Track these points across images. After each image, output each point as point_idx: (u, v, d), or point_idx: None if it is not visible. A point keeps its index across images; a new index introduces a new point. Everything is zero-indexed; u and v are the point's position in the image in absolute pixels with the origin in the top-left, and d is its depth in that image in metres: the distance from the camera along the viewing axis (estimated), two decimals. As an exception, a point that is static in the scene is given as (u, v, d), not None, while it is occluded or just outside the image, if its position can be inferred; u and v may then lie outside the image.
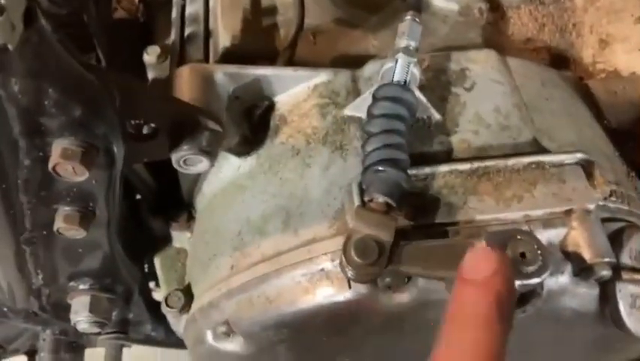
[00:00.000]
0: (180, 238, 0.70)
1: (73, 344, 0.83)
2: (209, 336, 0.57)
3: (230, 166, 0.61)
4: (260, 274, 0.52)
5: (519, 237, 0.42)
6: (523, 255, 0.41)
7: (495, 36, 0.76)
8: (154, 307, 0.74)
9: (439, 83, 0.56)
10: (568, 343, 0.56)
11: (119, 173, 0.49)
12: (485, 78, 0.56)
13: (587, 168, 0.49)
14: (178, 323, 0.65)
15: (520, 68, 0.59)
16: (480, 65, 0.57)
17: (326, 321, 0.49)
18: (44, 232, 0.54)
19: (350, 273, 0.41)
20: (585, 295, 0.47)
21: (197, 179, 0.65)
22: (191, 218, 0.68)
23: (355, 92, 0.57)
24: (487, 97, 0.55)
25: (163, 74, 0.66)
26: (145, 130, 0.53)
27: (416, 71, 0.51)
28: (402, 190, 0.44)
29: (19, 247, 0.56)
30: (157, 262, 0.70)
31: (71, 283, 0.67)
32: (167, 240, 0.71)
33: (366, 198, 0.45)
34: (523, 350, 0.53)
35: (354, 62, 0.66)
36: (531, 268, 0.41)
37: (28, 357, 0.88)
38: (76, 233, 0.52)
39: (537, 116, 0.55)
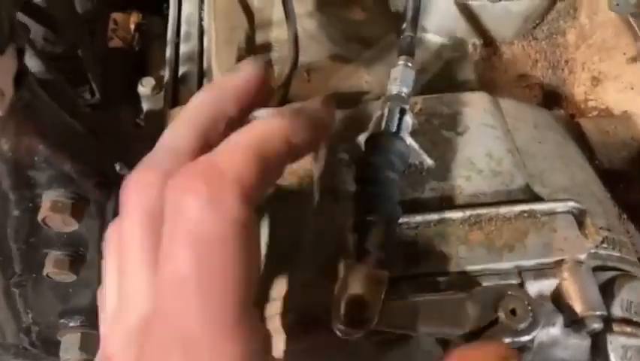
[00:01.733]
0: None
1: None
2: None
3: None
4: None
5: (510, 293, 0.42)
6: (513, 312, 0.41)
7: (488, 72, 0.77)
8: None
9: (432, 127, 0.56)
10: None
11: (111, 220, 0.49)
12: (478, 122, 0.57)
13: (579, 216, 0.49)
14: None
15: (513, 110, 0.59)
16: (473, 109, 0.57)
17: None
18: (34, 275, 0.54)
19: (340, 329, 0.41)
20: (577, 347, 0.47)
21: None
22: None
23: (348, 136, 0.57)
24: (480, 142, 0.55)
25: (157, 106, 0.67)
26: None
27: (408, 118, 0.51)
28: (393, 243, 0.44)
29: (9, 289, 0.56)
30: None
31: (62, 321, 0.66)
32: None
33: (357, 252, 0.44)
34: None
35: (348, 98, 0.66)
36: (522, 326, 0.41)
37: (18, 388, 0.87)
38: (66, 277, 0.52)
39: (529, 161, 0.55)
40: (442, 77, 0.74)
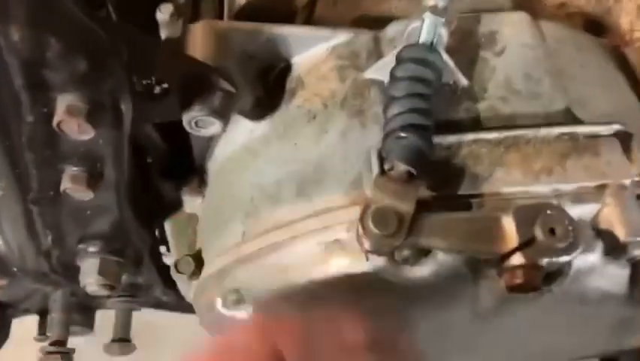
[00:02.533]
0: (191, 202, 0.68)
1: (84, 305, 0.83)
2: (219, 303, 0.56)
3: (242, 130, 0.58)
4: (272, 242, 0.50)
5: (549, 211, 0.39)
6: (552, 231, 0.39)
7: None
8: (165, 272, 0.72)
9: (467, 47, 0.52)
10: (591, 323, 0.54)
11: (128, 133, 0.47)
12: (516, 42, 0.53)
13: (624, 140, 0.46)
14: (188, 289, 0.64)
15: (554, 32, 0.55)
16: (511, 28, 0.53)
17: (340, 293, 0.47)
18: (51, 193, 0.53)
19: (367, 244, 0.39)
20: (615, 276, 0.45)
21: (208, 142, 0.62)
22: (202, 183, 0.66)
23: (377, 54, 0.53)
24: (518, 62, 0.51)
25: (176, 33, 0.64)
26: (155, 89, 0.51)
27: (444, 33, 0.47)
28: (425, 158, 0.42)
29: (27, 206, 0.55)
30: (167, 227, 0.69)
31: (80, 246, 0.66)
32: (178, 204, 0.69)
33: (386, 166, 0.42)
34: (543, 328, 0.51)
35: (376, 23, 0.62)
36: (561, 245, 0.38)
37: (39, 317, 0.88)
38: (84, 194, 0.51)
39: (570, 85, 0.52)
40: (476, 5, 0.69)
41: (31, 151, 0.45)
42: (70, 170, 0.49)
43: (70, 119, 0.39)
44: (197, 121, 0.51)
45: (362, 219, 0.39)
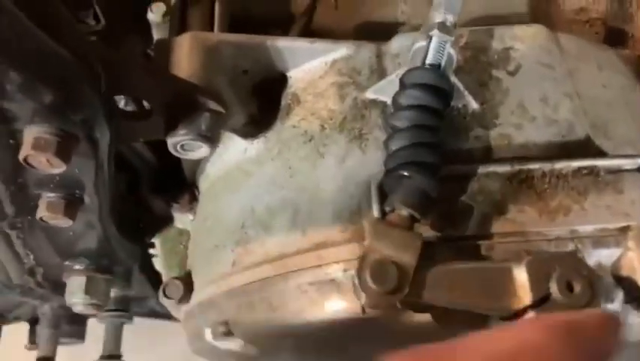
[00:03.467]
0: (182, 219, 0.64)
1: (74, 316, 0.80)
2: (207, 334, 0.53)
3: (235, 148, 0.54)
4: (263, 276, 0.46)
5: (566, 263, 0.35)
6: (570, 286, 0.35)
7: (543, 4, 0.67)
8: (158, 283, 0.70)
9: (479, 65, 0.48)
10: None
11: (107, 157, 0.43)
12: (532, 60, 0.48)
13: (650, 175, 0.42)
14: (177, 312, 0.60)
15: (574, 48, 0.50)
16: (527, 44, 0.49)
17: (335, 336, 0.44)
18: (29, 217, 0.49)
19: (364, 300, 0.35)
20: (635, 325, 0.41)
21: (199, 159, 0.58)
22: (193, 199, 0.62)
23: (380, 72, 0.49)
24: (534, 83, 0.47)
25: (168, 35, 0.60)
26: (136, 108, 0.47)
27: (453, 52, 0.43)
28: (430, 200, 0.38)
29: (4, 230, 0.51)
30: (157, 243, 0.66)
31: (66, 263, 0.62)
32: (168, 220, 0.66)
33: (386, 208, 0.38)
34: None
35: (381, 30, 0.58)
36: (579, 303, 0.34)
37: (30, 325, 0.85)
38: (62, 222, 0.47)
39: (591, 108, 0.47)
40: (489, 10, 0.64)
41: (2, 182, 0.41)
42: (47, 196, 0.45)
43: (37, 153, 0.35)
44: (184, 145, 0.47)
45: (359, 272, 0.35)
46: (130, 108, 0.49)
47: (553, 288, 0.35)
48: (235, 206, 0.52)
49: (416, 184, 0.37)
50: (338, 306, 0.42)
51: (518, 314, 0.35)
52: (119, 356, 0.73)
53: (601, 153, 0.44)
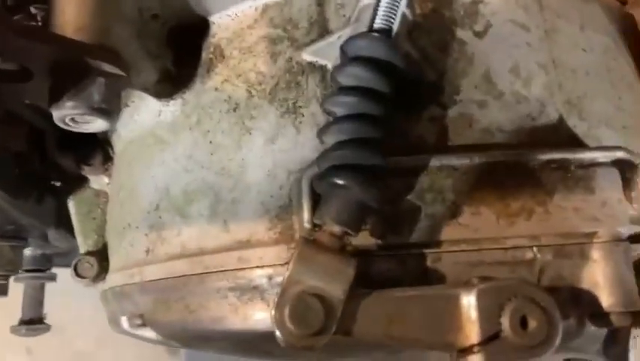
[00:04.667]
0: (98, 180, 0.56)
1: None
2: (124, 322, 0.47)
3: (148, 109, 0.45)
4: (179, 273, 0.40)
5: (522, 292, 0.30)
6: (524, 321, 0.30)
7: None
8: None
9: (440, 22, 0.39)
10: None
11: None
12: (505, 18, 0.40)
13: (626, 171, 0.36)
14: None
15: (556, 3, 0.42)
16: (500, -3, 0.40)
17: (259, 343, 0.39)
18: None
19: (282, 341, 0.29)
20: (591, 337, 0.37)
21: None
22: (108, 160, 0.53)
23: (321, 25, 0.40)
24: (504, 49, 0.39)
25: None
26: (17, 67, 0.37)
27: (408, 12, 0.34)
28: (367, 212, 0.31)
29: None
30: (71, 206, 0.57)
31: (-35, 231, 0.54)
32: (83, 179, 0.57)
33: (316, 220, 0.31)
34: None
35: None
36: (532, 343, 0.30)
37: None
38: None
39: (567, 81, 0.40)
40: None
41: None
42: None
43: None
44: (73, 118, 0.38)
45: (277, 307, 0.29)
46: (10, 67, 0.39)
47: (505, 324, 0.29)
48: (149, 182, 0.45)
49: (352, 197, 0.29)
50: (261, 316, 0.36)
51: (465, 351, 0.30)
52: (41, 320, 0.67)
53: (573, 140, 0.37)
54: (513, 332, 0.29)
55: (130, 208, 0.46)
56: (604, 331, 0.37)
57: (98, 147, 0.53)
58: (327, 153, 0.31)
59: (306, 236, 0.31)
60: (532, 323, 0.30)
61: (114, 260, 0.49)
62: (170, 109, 0.44)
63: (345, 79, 0.32)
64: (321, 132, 0.33)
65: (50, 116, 0.52)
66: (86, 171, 0.54)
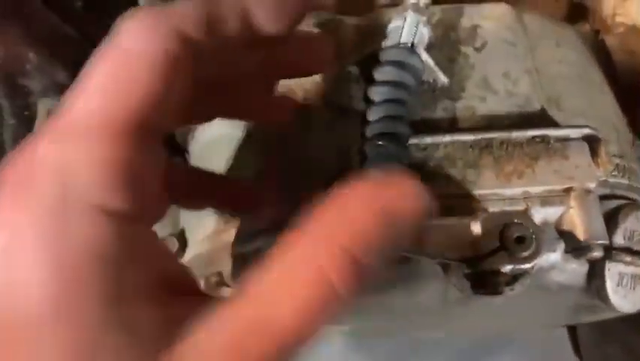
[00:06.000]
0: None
1: None
2: (201, 284, 0.58)
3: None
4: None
5: (516, 220, 0.42)
6: (518, 239, 0.41)
7: (512, -22, 0.71)
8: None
9: (449, 42, 0.53)
10: (551, 306, 0.58)
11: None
12: (497, 38, 0.53)
13: (593, 144, 0.48)
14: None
15: (537, 26, 0.55)
16: (493, 23, 0.54)
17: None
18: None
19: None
20: (574, 271, 0.48)
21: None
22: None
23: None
24: (498, 60, 0.52)
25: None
26: None
27: (425, 31, 0.48)
28: (401, 165, 0.43)
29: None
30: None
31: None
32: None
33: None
34: (506, 310, 0.55)
35: (359, 4, 0.62)
36: (525, 254, 0.41)
37: None
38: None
39: (547, 83, 0.53)
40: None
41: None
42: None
43: (52, 124, 0.39)
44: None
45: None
46: None
47: (505, 241, 0.41)
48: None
49: (389, 152, 0.42)
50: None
51: (473, 261, 0.41)
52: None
53: (553, 124, 0.50)
54: (511, 246, 0.41)
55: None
56: (585, 268, 0.48)
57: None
58: (369, 125, 0.44)
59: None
60: (524, 240, 0.41)
61: (193, 236, 0.61)
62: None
63: (381, 76, 0.46)
64: (364, 113, 0.46)
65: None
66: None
